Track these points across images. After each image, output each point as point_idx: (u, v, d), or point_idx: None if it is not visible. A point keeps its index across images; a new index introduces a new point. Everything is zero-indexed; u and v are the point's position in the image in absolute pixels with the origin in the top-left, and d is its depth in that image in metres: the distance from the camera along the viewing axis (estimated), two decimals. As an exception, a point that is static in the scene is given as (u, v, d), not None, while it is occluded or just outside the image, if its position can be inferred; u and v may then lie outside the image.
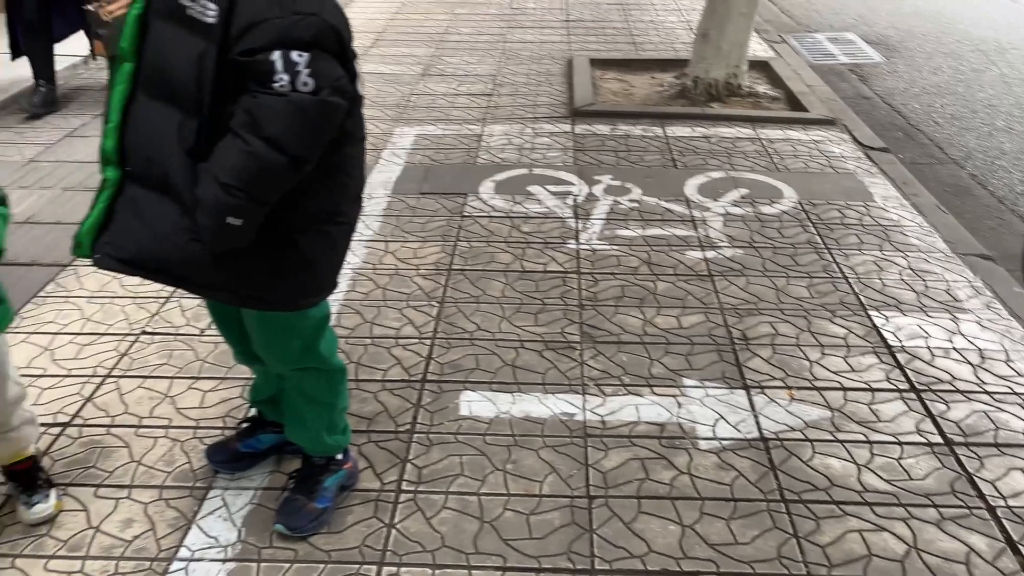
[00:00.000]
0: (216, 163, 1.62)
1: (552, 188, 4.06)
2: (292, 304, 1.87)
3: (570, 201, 3.93)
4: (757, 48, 6.29)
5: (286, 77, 1.55)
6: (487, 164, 4.34)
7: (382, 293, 3.17)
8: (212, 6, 1.55)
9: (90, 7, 4.50)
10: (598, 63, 5.98)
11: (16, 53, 4.85)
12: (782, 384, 2.68)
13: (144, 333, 2.90)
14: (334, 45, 1.61)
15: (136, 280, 3.18)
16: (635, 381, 2.69)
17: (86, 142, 4.57)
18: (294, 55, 1.55)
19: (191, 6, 1.56)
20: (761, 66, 5.81)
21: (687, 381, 2.69)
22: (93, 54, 5.12)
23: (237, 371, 2.69)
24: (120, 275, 3.14)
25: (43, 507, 2.10)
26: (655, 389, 2.65)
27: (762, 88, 5.47)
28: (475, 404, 2.58)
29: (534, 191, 4.03)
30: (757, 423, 2.51)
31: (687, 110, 5.08)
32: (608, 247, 3.52)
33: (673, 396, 2.62)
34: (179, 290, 3.12)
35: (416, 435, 2.45)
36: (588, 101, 5.15)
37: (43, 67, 4.92)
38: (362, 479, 2.27)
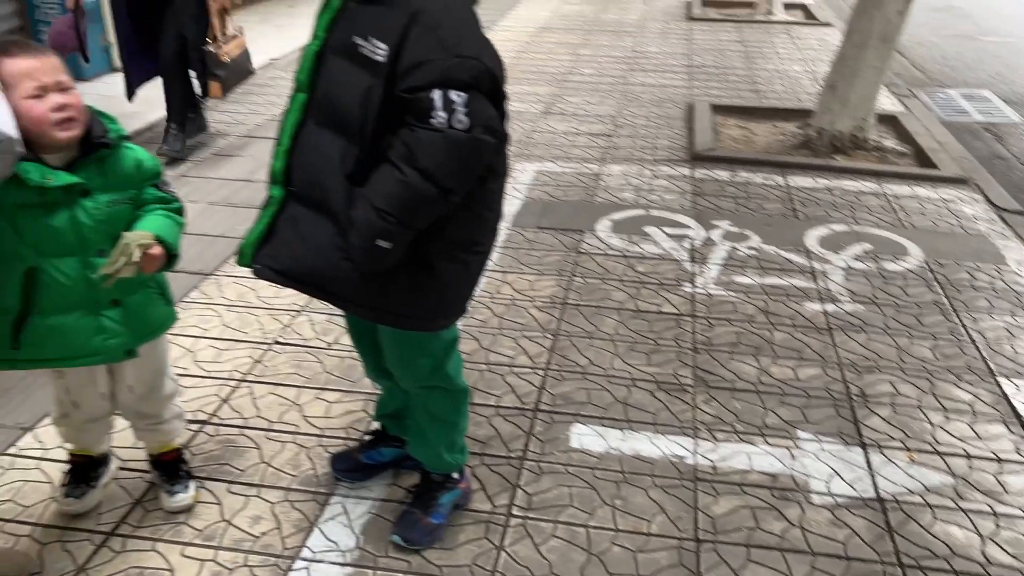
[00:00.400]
0: (372, 189, 1.74)
1: (669, 230, 4.09)
2: (426, 324, 1.97)
3: (687, 244, 3.94)
4: (886, 102, 6.16)
5: (444, 115, 1.66)
6: (605, 203, 4.41)
7: (498, 322, 3.27)
8: (382, 46, 1.68)
9: (210, 48, 4.60)
10: (719, 109, 5.99)
11: (131, 93, 4.73)
12: (901, 445, 2.61)
13: (276, 343, 3.08)
14: (489, 87, 1.72)
15: (271, 292, 3.40)
16: (748, 429, 2.67)
17: (231, 160, 4.90)
18: (452, 94, 1.66)
19: (364, 45, 1.70)
20: (889, 120, 5.70)
21: (802, 434, 2.65)
22: (205, 93, 4.90)
23: (360, 385, 2.83)
24: (273, 285, 3.37)
25: (183, 496, 2.26)
26: (768, 439, 2.63)
27: (889, 143, 5.35)
28: (586, 437, 2.62)
29: (651, 232, 4.07)
30: (874, 483, 2.45)
31: (810, 161, 5.02)
32: (724, 293, 3.51)
33: (787, 447, 2.59)
34: (310, 305, 3.30)
35: (527, 462, 2.51)
36: (708, 146, 5.17)
37: (178, 111, 4.76)
38: (474, 500, 2.34)
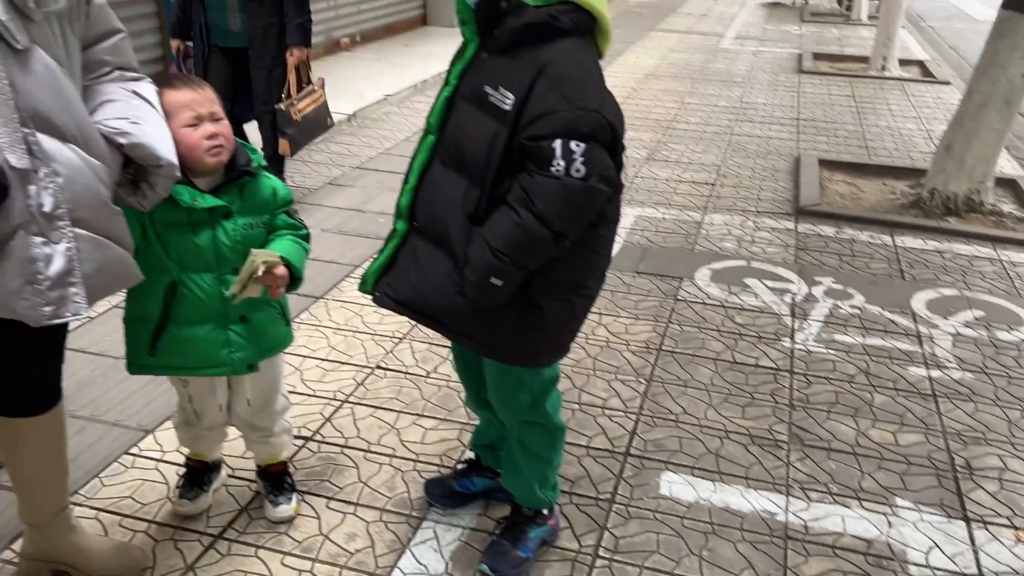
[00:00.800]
0: (489, 229, 1.83)
1: (770, 283, 4.05)
2: (529, 361, 2.03)
3: (788, 299, 3.90)
4: (1006, 165, 5.96)
5: (563, 163, 1.74)
6: (705, 251, 4.41)
7: (592, 363, 3.31)
8: (510, 96, 1.78)
9: (281, 106, 4.47)
10: (827, 164, 5.92)
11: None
12: (1008, 523, 2.51)
13: (379, 367, 3.20)
14: (608, 139, 1.79)
15: (376, 318, 3.54)
16: (843, 491, 2.62)
17: (344, 191, 5.13)
18: (572, 144, 1.74)
19: (493, 94, 1.80)
20: (1008, 184, 5.50)
21: (900, 501, 2.58)
22: (274, 151, 4.63)
23: (456, 415, 2.91)
24: (379, 311, 3.51)
25: (286, 508, 2.37)
26: (864, 503, 2.57)
27: (1007, 207, 5.17)
28: (675, 486, 2.62)
29: (751, 284, 4.04)
30: (977, 560, 2.36)
31: (920, 221, 4.90)
32: (824, 350, 3.46)
33: (883, 514, 2.53)
34: (411, 333, 3.42)
35: (616, 505, 2.52)
36: (814, 201, 5.11)
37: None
38: (562, 538, 2.38)
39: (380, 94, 7.27)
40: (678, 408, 3.03)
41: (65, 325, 1.92)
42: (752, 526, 2.46)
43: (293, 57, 4.43)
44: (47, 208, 1.55)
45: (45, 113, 1.54)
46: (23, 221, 1.53)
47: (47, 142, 1.55)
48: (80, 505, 2.40)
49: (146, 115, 1.76)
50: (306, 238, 2.16)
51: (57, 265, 1.57)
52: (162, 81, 1.95)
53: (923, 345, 3.52)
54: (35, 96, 1.53)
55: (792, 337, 3.56)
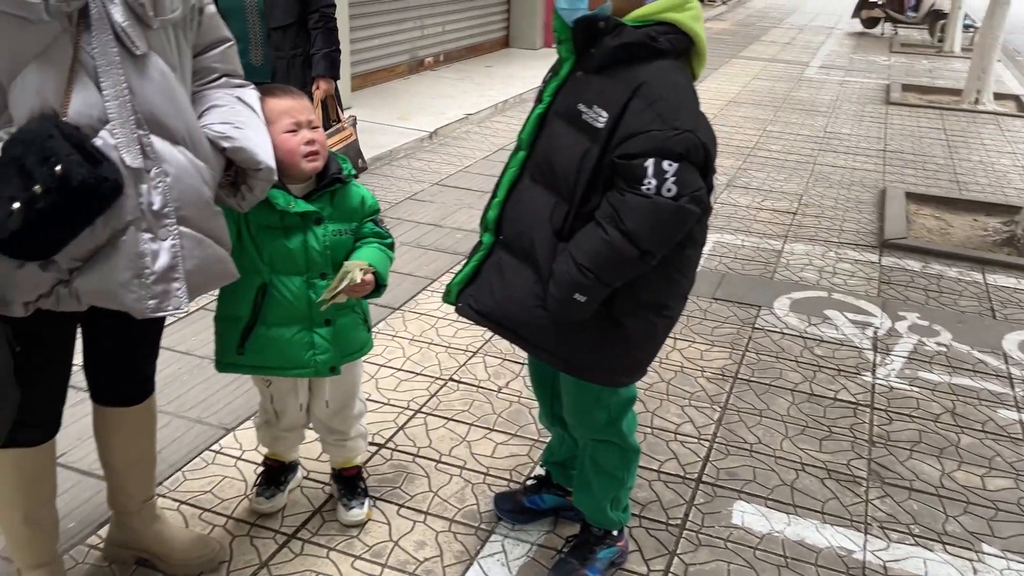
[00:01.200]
0: (576, 245, 1.85)
1: (851, 316, 3.95)
2: (607, 379, 2.03)
3: (870, 332, 3.80)
4: (1107, 204, 5.69)
5: (654, 182, 1.75)
6: (785, 281, 4.33)
7: (665, 387, 3.27)
8: (604, 113, 1.80)
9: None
10: (914, 197, 5.75)
11: None
12: (1105, 578, 2.38)
13: (452, 380, 3.24)
14: (700, 160, 1.79)
15: (451, 331, 3.58)
16: (925, 533, 2.52)
17: (424, 206, 5.22)
18: (665, 164, 1.74)
19: (587, 112, 1.82)
20: (1110, 224, 5.25)
21: (987, 548, 2.47)
22: None
23: (527, 431, 2.92)
24: (453, 324, 3.56)
25: (358, 512, 2.41)
26: (948, 547, 2.47)
27: (1109, 248, 4.93)
28: (748, 516, 2.57)
29: (831, 316, 3.95)
30: (1069, 614, 2.25)
31: (1014, 260, 4.71)
32: (908, 387, 3.35)
33: (969, 560, 2.42)
34: (484, 348, 3.45)
35: (686, 531, 2.48)
36: (900, 234, 4.97)
37: None
38: (630, 560, 2.35)
39: (461, 113, 7.38)
40: (753, 438, 2.97)
41: (162, 321, 2.01)
42: (827, 562, 2.39)
43: (319, 90, 3.96)
44: (156, 206, 1.63)
45: (159, 116, 1.62)
46: (134, 218, 1.61)
47: (159, 143, 1.63)
48: (163, 496, 2.49)
49: (249, 121, 1.84)
50: (391, 247, 2.21)
51: (162, 261, 1.65)
52: (264, 90, 2.03)
53: (1015, 388, 3.38)
54: (150, 99, 1.61)
55: (873, 372, 3.46)
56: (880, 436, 3.01)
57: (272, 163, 1.83)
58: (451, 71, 9.36)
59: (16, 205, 1.44)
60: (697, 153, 1.77)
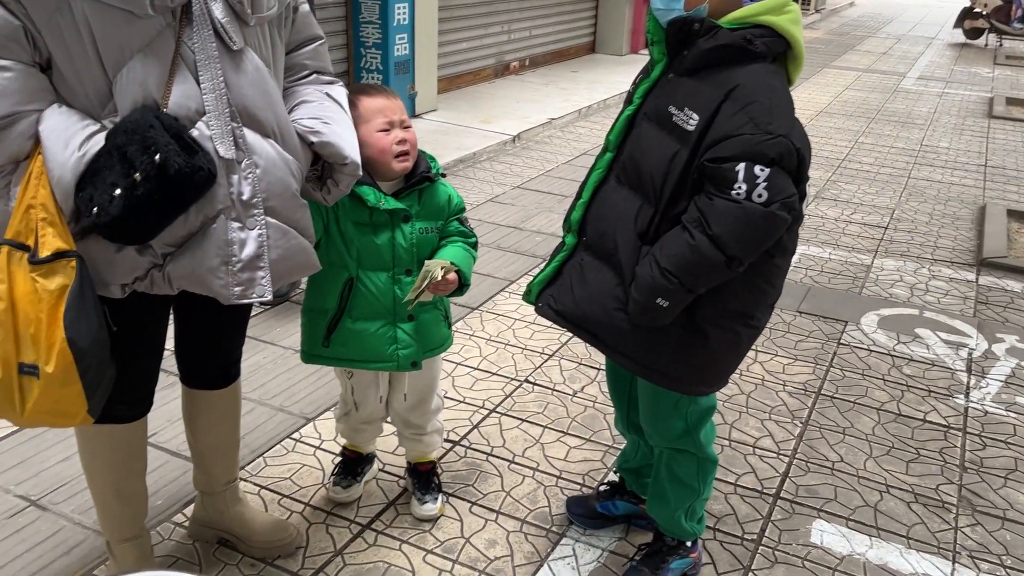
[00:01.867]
0: (660, 249, 1.82)
1: (944, 335, 3.79)
2: (687, 387, 1.99)
3: (964, 354, 3.64)
4: None
5: (744, 187, 1.71)
6: (873, 297, 4.19)
7: (745, 400, 3.20)
8: (695, 116, 1.77)
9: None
10: (1017, 215, 5.49)
11: None
12: None
13: (527, 381, 3.24)
14: (793, 165, 1.74)
15: (527, 333, 3.58)
16: (1019, 565, 2.40)
17: (504, 209, 5.25)
18: (756, 169, 1.70)
19: (677, 114, 1.80)
20: None
21: (1087, 585, 2.34)
22: None
23: (601, 436, 2.90)
24: (531, 326, 3.57)
25: (432, 507, 2.43)
26: (1043, 582, 2.35)
27: None
28: (828, 536, 2.49)
29: (923, 335, 3.80)
30: None
31: (1125, 283, 4.44)
32: (1004, 412, 3.19)
33: (1066, 597, 2.30)
34: (561, 351, 3.44)
35: (762, 547, 2.42)
36: (1000, 252, 4.74)
37: None
38: (703, 573, 2.31)
39: (544, 117, 7.40)
40: (835, 455, 2.88)
41: (248, 308, 2.07)
42: (911, 589, 2.30)
43: None
44: (245, 196, 1.68)
45: (252, 109, 1.68)
46: (224, 207, 1.66)
47: (250, 136, 1.68)
48: (245, 480, 2.56)
49: (336, 116, 1.87)
50: (475, 245, 2.23)
51: (249, 249, 1.70)
52: (359, 89, 2.07)
53: (1122, 418, 3.18)
54: (245, 93, 1.66)
55: (967, 395, 3.31)
56: (972, 462, 2.88)
57: (358, 158, 1.86)
58: (536, 76, 9.39)
59: (118, 191, 1.51)
60: (790, 159, 1.72)
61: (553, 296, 2.03)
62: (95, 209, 1.53)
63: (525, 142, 6.92)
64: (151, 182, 1.51)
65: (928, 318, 3.98)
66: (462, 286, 2.14)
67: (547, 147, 6.83)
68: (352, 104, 2.00)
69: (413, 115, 7.06)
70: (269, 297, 1.74)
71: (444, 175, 2.22)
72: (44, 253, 1.54)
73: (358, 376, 2.30)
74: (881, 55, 13.27)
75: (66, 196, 1.55)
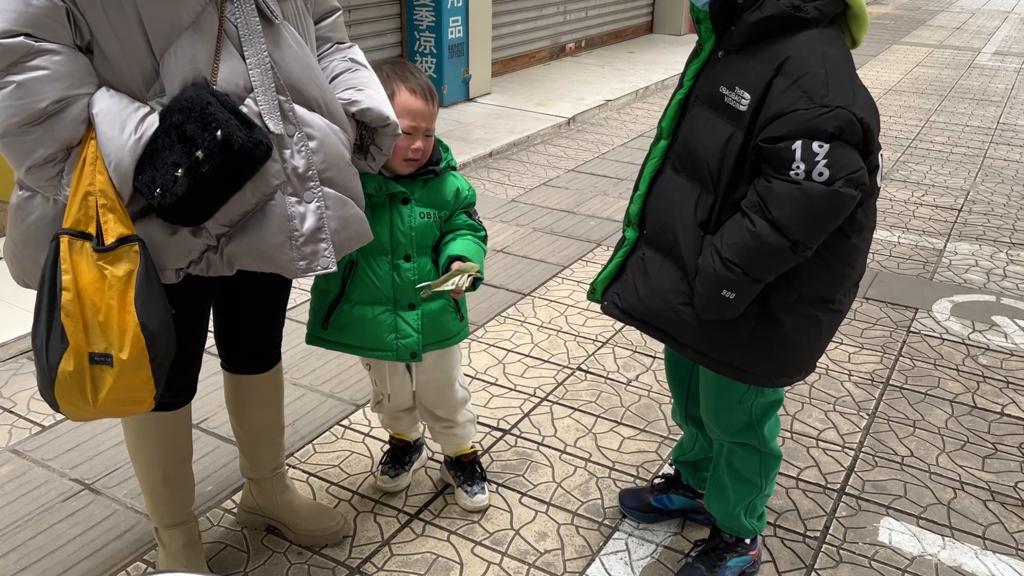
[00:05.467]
0: (721, 238, 1.72)
1: (1023, 323, 3.58)
2: (764, 379, 1.87)
3: (1045, 343, 3.43)
4: None
5: (803, 166, 1.59)
6: (946, 282, 3.98)
7: (808, 390, 3.07)
8: (746, 95, 1.66)
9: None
10: (1102, 195, 5.17)
11: None
12: None
13: (580, 369, 3.16)
14: (857, 136, 1.61)
15: (580, 320, 3.50)
16: (1107, 571, 2.24)
17: (558, 192, 5.15)
18: (814, 146, 1.59)
19: (729, 95, 1.69)
20: None
21: None
22: None
23: (655, 427, 2.80)
24: (586, 313, 3.49)
25: (482, 497, 2.38)
26: None
27: None
28: (897, 534, 2.36)
29: (1000, 322, 3.59)
30: None
31: None
32: (1089, 406, 3.00)
33: None
34: (614, 338, 3.35)
35: (826, 546, 2.31)
36: (1084, 236, 4.47)
37: None
38: (763, 571, 2.21)
39: (600, 99, 7.26)
40: (904, 450, 2.73)
41: (288, 290, 2.05)
42: (988, 594, 2.16)
43: None
44: (300, 169, 1.65)
45: (296, 83, 1.64)
46: (280, 182, 1.63)
47: (299, 109, 1.65)
48: (294, 468, 2.55)
49: (368, 80, 1.85)
50: (484, 239, 2.15)
51: (310, 222, 1.67)
52: (402, 76, 1.98)
53: None
54: (290, 67, 1.63)
55: (1049, 386, 3.12)
56: (1054, 458, 2.71)
57: (396, 118, 1.83)
58: (592, 57, 9.23)
59: (180, 171, 1.48)
60: (852, 130, 1.59)
61: (618, 294, 1.95)
62: (158, 191, 1.51)
63: (580, 124, 6.80)
64: (215, 159, 1.49)
65: (1006, 305, 3.76)
66: (475, 281, 2.05)
67: (602, 129, 6.70)
68: (387, 84, 1.95)
69: (467, 99, 7.00)
70: (333, 268, 1.72)
71: (455, 167, 2.14)
72: (109, 240, 1.52)
73: (376, 367, 2.25)
74: (954, 30, 12.71)
75: (125, 180, 1.53)
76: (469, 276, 1.97)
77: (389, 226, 2.04)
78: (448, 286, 1.96)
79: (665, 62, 8.97)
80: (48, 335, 1.52)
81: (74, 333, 1.52)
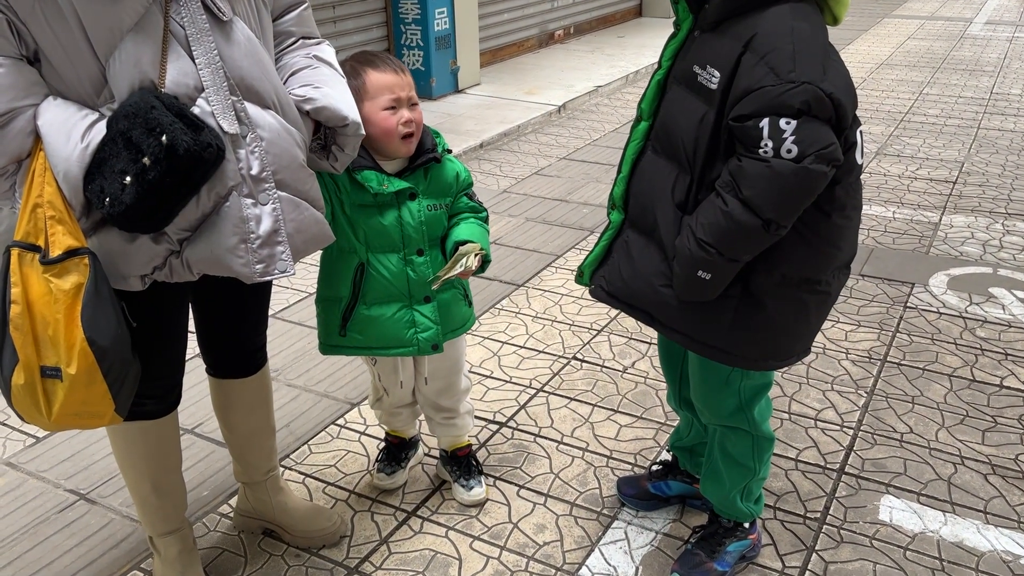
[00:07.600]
0: (695, 218, 1.70)
1: (1020, 294, 3.56)
2: (752, 363, 1.85)
3: (1043, 313, 3.41)
4: None
5: (771, 143, 1.57)
6: (942, 256, 3.96)
7: (805, 370, 3.05)
8: (716, 73, 1.64)
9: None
10: (1098, 161, 5.14)
11: None
12: None
13: (575, 358, 3.14)
14: (828, 112, 1.58)
15: (574, 309, 3.48)
16: (1110, 541, 2.22)
17: (550, 181, 5.13)
18: (782, 123, 1.56)
19: (701, 73, 1.67)
20: None
21: None
22: None
23: (653, 414, 2.79)
24: (578, 302, 3.47)
25: (479, 491, 2.36)
26: None
27: None
28: (897, 512, 2.34)
29: (997, 294, 3.57)
30: None
31: None
32: (1089, 375, 2.98)
33: None
34: (610, 326, 3.33)
35: (826, 526, 2.29)
36: (1080, 203, 4.44)
37: None
38: (763, 555, 2.19)
39: (591, 85, 7.22)
40: (903, 426, 2.72)
41: (268, 292, 2.03)
42: (990, 567, 2.14)
43: None
44: (255, 171, 1.62)
45: (249, 81, 1.60)
46: (235, 183, 1.60)
47: (252, 109, 1.61)
48: (290, 469, 2.53)
49: (327, 79, 1.79)
50: (486, 220, 2.14)
51: (265, 225, 1.64)
52: (366, 60, 1.97)
53: None
54: (240, 65, 1.59)
55: (1048, 357, 3.10)
56: (1055, 429, 2.69)
57: (357, 117, 1.77)
58: (581, 43, 9.18)
59: (128, 179, 1.45)
60: (822, 105, 1.56)
61: (604, 277, 1.93)
62: (107, 200, 1.48)
63: (571, 112, 6.76)
64: (161, 164, 1.46)
65: (1003, 276, 3.74)
66: (484, 263, 2.05)
67: (593, 116, 6.66)
68: (356, 75, 1.93)
69: (456, 91, 6.96)
70: (292, 272, 1.69)
71: (450, 151, 2.12)
72: (55, 252, 1.50)
73: (381, 363, 2.23)
74: (946, 1, 12.63)
75: (75, 190, 1.50)
76: (476, 256, 1.96)
77: (399, 223, 2.02)
78: (457, 269, 1.96)
79: (655, 46, 8.92)
80: (1, 348, 1.51)
81: (23, 347, 1.50)
